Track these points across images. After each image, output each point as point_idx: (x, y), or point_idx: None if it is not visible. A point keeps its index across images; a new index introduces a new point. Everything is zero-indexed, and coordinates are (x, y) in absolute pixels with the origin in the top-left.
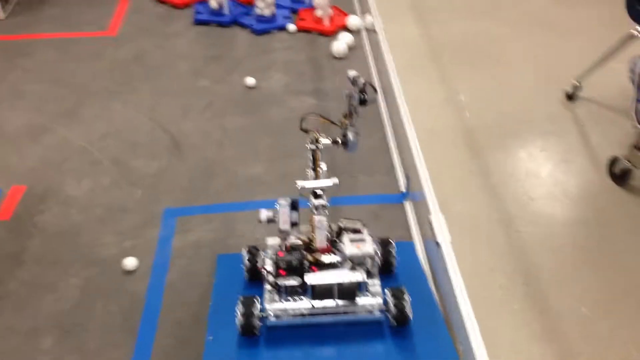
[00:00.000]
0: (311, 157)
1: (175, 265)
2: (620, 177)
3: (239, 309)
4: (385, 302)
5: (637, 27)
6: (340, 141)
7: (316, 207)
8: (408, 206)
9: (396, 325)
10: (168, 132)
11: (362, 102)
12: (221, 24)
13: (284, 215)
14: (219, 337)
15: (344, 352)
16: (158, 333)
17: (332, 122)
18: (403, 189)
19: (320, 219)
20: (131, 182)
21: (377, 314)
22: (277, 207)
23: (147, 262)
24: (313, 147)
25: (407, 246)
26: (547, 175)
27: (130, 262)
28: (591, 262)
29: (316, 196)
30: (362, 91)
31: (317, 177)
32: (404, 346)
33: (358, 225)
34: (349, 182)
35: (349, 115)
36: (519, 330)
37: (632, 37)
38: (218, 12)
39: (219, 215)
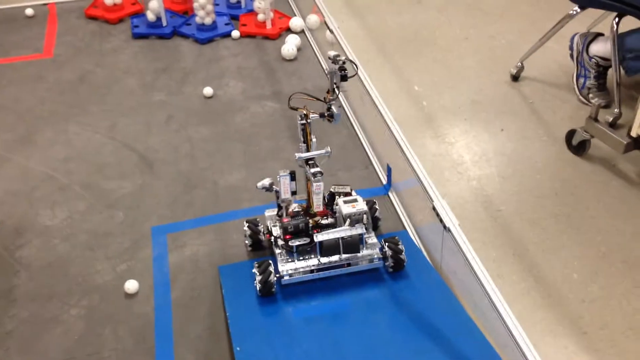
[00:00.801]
0: (302, 132)
1: (177, 282)
2: (578, 148)
3: (257, 273)
4: (382, 250)
5: (576, 7)
6: (325, 114)
7: (314, 175)
8: (393, 197)
9: (393, 270)
10: (134, 150)
11: (343, 77)
12: (162, 36)
13: (285, 186)
14: (247, 345)
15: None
16: (176, 351)
17: (317, 99)
18: (385, 180)
19: (317, 185)
20: (109, 205)
21: (377, 262)
22: (279, 178)
23: (147, 282)
24: (303, 122)
25: (401, 235)
26: (512, 153)
27: (131, 285)
28: (569, 230)
29: (312, 165)
30: (342, 68)
31: (309, 148)
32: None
33: (348, 189)
34: (331, 180)
35: (332, 91)
36: (520, 300)
37: (570, 17)
38: (156, 24)
39: (210, 227)
